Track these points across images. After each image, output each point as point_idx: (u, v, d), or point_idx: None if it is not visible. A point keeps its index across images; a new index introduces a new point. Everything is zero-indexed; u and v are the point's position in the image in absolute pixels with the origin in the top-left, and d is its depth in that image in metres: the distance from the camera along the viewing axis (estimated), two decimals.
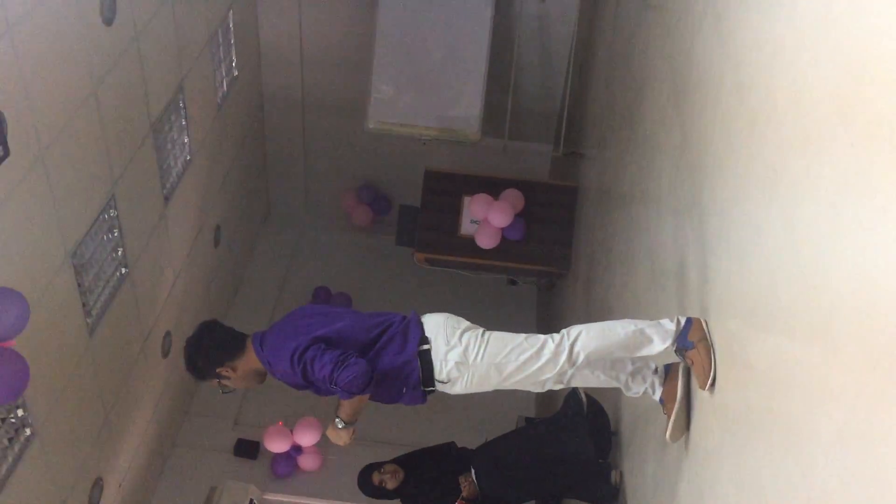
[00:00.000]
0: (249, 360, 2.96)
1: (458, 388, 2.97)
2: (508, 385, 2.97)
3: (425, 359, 2.93)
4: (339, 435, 2.95)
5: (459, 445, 4.62)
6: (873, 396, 1.63)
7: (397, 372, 2.94)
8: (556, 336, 2.92)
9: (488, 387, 2.98)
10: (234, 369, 2.96)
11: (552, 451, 4.10)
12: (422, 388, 2.98)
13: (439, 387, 2.99)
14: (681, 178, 3.36)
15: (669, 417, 2.89)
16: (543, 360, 2.88)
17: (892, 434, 1.55)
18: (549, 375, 2.94)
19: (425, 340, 2.95)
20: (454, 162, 7.64)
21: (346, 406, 2.89)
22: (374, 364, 2.92)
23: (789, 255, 2.13)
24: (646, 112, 4.20)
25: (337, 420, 2.91)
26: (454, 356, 2.91)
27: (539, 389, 3.12)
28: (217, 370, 2.96)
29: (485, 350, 2.91)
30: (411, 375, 2.95)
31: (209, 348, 2.97)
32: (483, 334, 2.96)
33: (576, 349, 2.87)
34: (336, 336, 2.92)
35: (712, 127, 2.97)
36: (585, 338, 2.89)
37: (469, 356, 2.90)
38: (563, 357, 2.87)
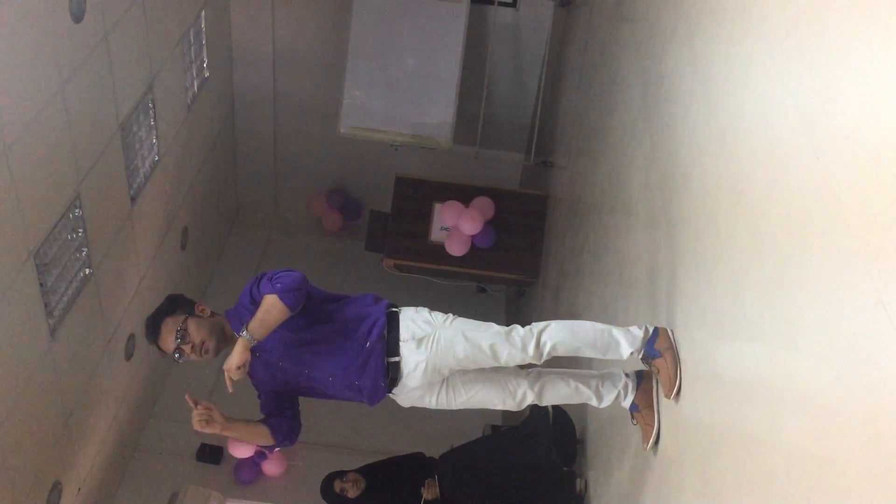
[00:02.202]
0: (221, 320, 3.00)
1: (422, 352, 2.90)
2: (479, 355, 2.90)
3: (393, 318, 2.98)
4: (235, 352, 2.71)
5: (427, 455, 4.61)
6: (836, 407, 1.65)
7: (363, 318, 2.96)
8: (526, 326, 2.95)
9: (453, 356, 2.90)
10: (211, 314, 2.97)
11: (517, 458, 4.10)
12: (385, 350, 2.92)
13: (403, 349, 2.92)
14: (650, 190, 3.39)
15: (652, 426, 2.87)
16: (511, 340, 2.89)
17: (854, 443, 1.57)
18: (513, 356, 2.89)
19: (395, 306, 3.04)
20: (425, 168, 7.63)
21: (261, 310, 2.76)
22: (341, 311, 2.97)
23: (755, 268, 2.15)
24: (616, 123, 4.23)
25: (246, 333, 2.74)
26: (423, 317, 2.98)
27: (513, 403, 3.07)
28: (196, 305, 2.97)
29: (453, 320, 2.99)
30: (377, 324, 2.95)
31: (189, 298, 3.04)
32: (453, 315, 3.04)
33: (543, 338, 2.88)
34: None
35: (682, 139, 3.00)
36: (554, 328, 2.91)
37: (437, 319, 2.98)
38: (532, 344, 2.87)
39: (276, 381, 3.02)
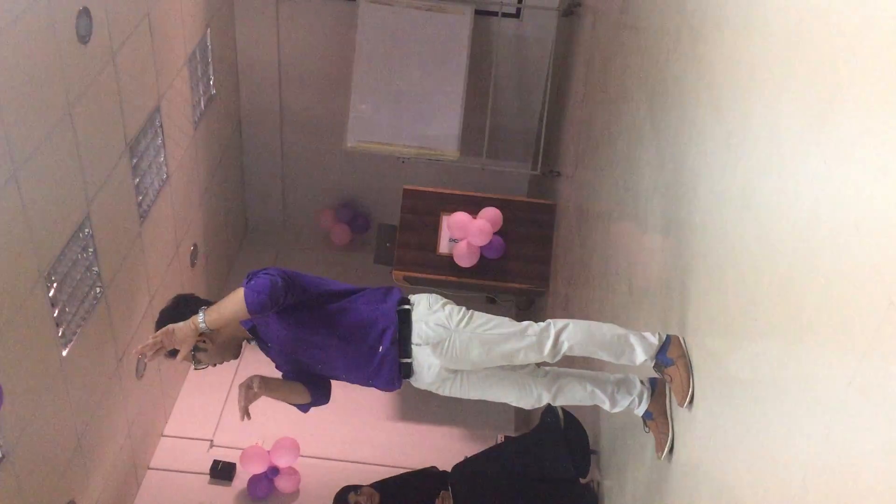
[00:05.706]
0: (230, 325, 2.86)
1: (436, 357, 2.86)
2: (495, 358, 2.87)
3: (405, 318, 2.90)
4: (184, 332, 2.64)
5: (441, 469, 4.59)
6: (853, 410, 1.64)
7: (373, 321, 2.90)
8: (542, 323, 2.92)
9: (467, 360, 2.87)
10: (211, 340, 2.84)
11: (529, 468, 4.08)
12: (398, 353, 2.87)
13: (416, 353, 2.88)
14: (657, 197, 3.38)
15: (666, 434, 2.85)
16: (527, 341, 2.86)
17: (872, 446, 1.55)
18: (528, 358, 2.88)
19: (407, 301, 2.96)
20: (433, 181, 7.63)
21: (225, 299, 2.70)
22: (348, 314, 2.90)
23: (766, 272, 2.14)
24: (622, 130, 4.23)
25: (201, 315, 2.68)
26: (436, 318, 2.89)
27: (528, 402, 3.05)
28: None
29: (469, 319, 2.90)
30: (389, 329, 2.88)
31: (187, 313, 2.81)
32: (467, 309, 2.96)
33: (561, 338, 2.86)
34: (305, 275, 2.98)
35: (688, 145, 2.99)
36: (573, 329, 2.89)
37: (452, 321, 2.88)
38: (549, 343, 2.85)
39: (295, 363, 3.04)
